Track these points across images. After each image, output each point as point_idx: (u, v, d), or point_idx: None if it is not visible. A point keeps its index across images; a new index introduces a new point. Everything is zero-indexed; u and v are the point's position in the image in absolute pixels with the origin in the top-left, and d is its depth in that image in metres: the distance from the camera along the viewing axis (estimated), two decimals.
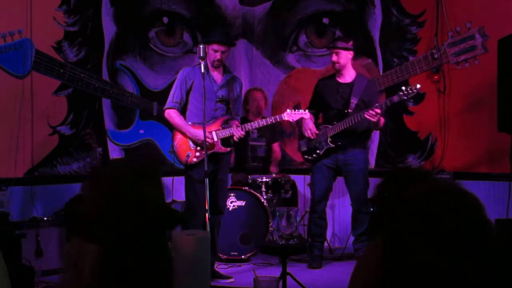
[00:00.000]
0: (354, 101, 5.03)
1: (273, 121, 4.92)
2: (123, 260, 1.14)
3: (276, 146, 6.19)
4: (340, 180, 5.30)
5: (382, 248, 1.09)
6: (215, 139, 4.68)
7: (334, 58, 5.08)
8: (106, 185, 1.17)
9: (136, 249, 1.15)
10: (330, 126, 5.08)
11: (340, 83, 5.15)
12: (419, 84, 4.87)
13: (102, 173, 1.22)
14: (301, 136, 5.29)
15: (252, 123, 4.90)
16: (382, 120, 5.01)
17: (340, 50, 5.05)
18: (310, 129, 5.13)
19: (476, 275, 1.00)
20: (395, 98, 4.83)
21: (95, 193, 1.17)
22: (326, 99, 5.18)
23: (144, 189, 1.17)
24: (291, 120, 4.94)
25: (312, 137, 5.14)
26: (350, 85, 5.11)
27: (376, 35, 6.11)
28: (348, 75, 5.15)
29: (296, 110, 4.92)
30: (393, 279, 1.05)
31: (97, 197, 1.16)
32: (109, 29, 5.93)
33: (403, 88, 4.79)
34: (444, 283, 1.00)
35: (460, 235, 1.01)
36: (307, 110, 5.02)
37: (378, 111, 4.77)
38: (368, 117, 4.79)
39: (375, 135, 6.02)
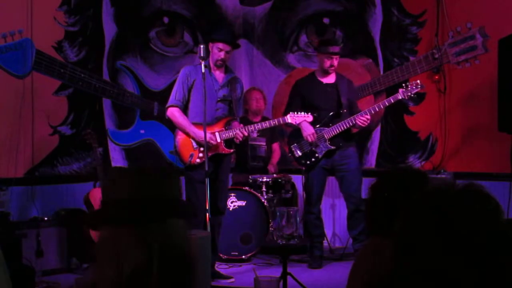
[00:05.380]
0: (344, 100, 5.07)
1: (276, 123, 4.92)
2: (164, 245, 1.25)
3: (275, 146, 6.19)
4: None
5: (394, 244, 1.09)
6: (219, 140, 4.66)
7: (335, 62, 5.07)
8: (136, 174, 1.28)
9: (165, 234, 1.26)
10: (327, 128, 5.06)
11: (326, 84, 5.15)
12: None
13: (127, 168, 1.35)
14: (290, 141, 5.24)
15: (256, 124, 4.89)
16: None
17: (338, 56, 5.10)
18: (313, 134, 5.02)
19: (485, 280, 0.99)
20: (399, 96, 4.85)
21: (124, 179, 1.26)
22: (313, 100, 5.13)
23: (167, 185, 1.28)
24: (294, 123, 4.91)
25: (313, 141, 5.09)
26: (335, 85, 5.14)
27: (376, 35, 6.10)
28: (331, 75, 5.17)
29: (299, 113, 4.90)
30: (403, 277, 1.05)
31: (127, 183, 1.25)
32: (109, 29, 5.93)
33: (405, 85, 4.83)
34: (453, 285, 1.00)
35: (474, 239, 1.00)
36: (309, 113, 4.98)
37: (368, 117, 4.88)
38: (360, 123, 4.88)
39: (375, 135, 6.03)
